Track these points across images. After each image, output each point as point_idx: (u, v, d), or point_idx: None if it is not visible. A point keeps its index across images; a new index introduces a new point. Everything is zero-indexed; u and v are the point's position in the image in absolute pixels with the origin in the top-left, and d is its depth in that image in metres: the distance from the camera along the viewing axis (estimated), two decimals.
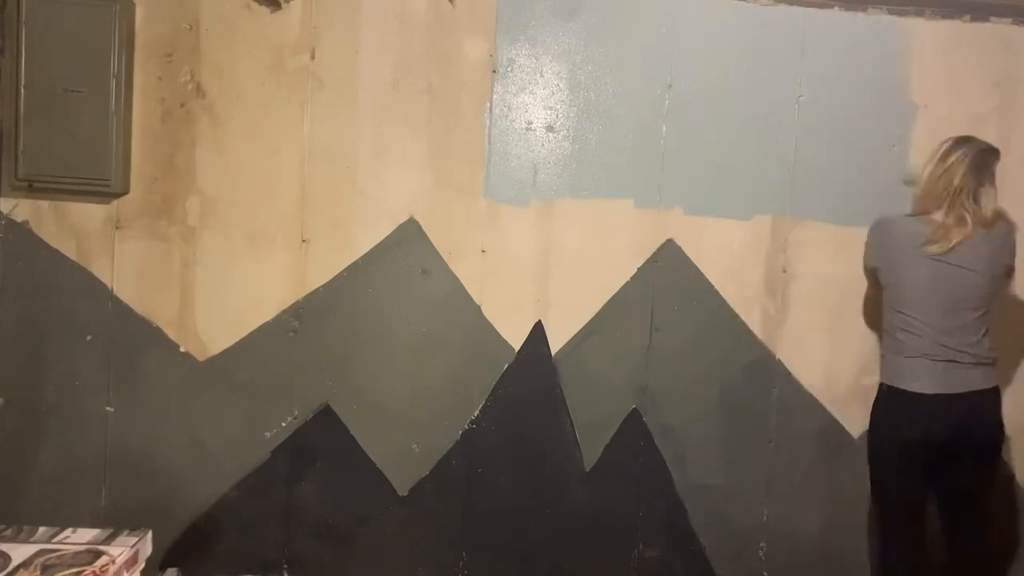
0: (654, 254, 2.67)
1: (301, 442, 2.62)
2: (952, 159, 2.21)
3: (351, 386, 2.63)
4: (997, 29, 2.69)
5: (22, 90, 2.38)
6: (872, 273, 2.41)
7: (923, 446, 2.21)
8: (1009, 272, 2.32)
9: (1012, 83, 2.70)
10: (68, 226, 2.53)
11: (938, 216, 2.21)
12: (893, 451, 2.26)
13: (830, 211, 2.69)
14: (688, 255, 2.68)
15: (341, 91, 2.57)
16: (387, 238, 2.62)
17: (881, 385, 2.32)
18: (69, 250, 2.53)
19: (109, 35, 2.40)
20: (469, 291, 2.64)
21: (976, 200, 2.20)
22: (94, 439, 2.56)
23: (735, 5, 2.65)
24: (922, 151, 2.72)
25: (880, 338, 2.44)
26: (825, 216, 2.69)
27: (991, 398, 2.23)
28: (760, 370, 2.71)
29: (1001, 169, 2.74)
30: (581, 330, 2.67)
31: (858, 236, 2.69)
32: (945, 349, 2.18)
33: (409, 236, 2.62)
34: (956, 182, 2.18)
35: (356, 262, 2.61)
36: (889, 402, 2.27)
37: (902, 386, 2.22)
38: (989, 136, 2.69)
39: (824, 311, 2.71)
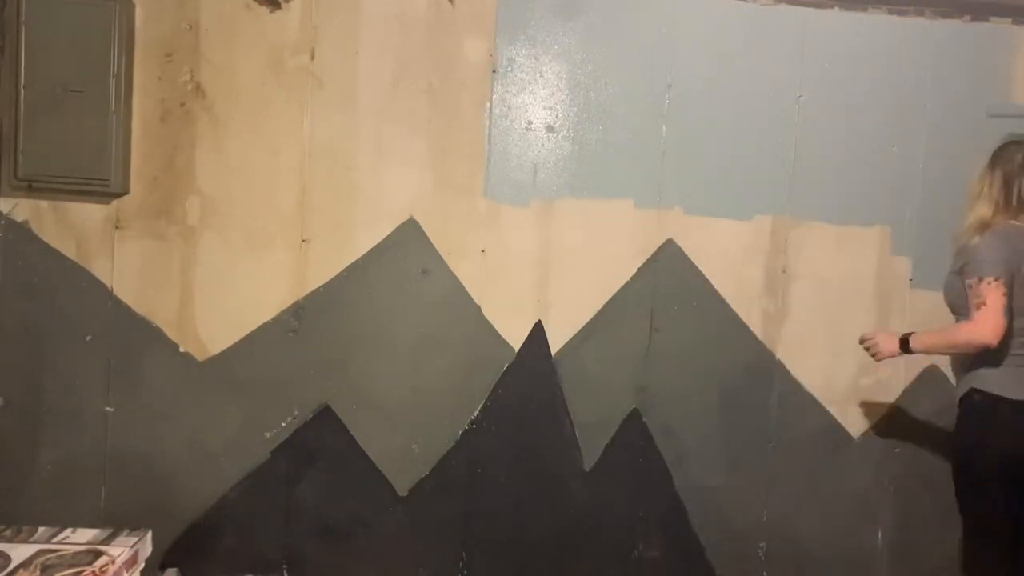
0: (654, 254, 2.67)
1: (301, 442, 2.61)
2: None
3: (351, 386, 2.62)
4: (997, 29, 2.69)
5: (22, 90, 2.38)
6: None
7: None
8: None
9: (1012, 83, 2.69)
10: (68, 226, 2.53)
11: None
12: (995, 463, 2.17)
13: (830, 211, 2.69)
14: (688, 255, 2.68)
15: (341, 91, 2.57)
16: (387, 238, 2.61)
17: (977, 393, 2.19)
18: (69, 250, 2.53)
19: (109, 35, 2.40)
20: (469, 291, 2.64)
21: None
22: (94, 439, 2.56)
23: (735, 5, 2.65)
24: (923, 151, 2.73)
25: None
26: (825, 216, 2.69)
27: None
28: (760, 370, 2.71)
29: None
30: (581, 330, 2.67)
31: (858, 236, 2.70)
32: None
33: (409, 236, 2.62)
34: None
35: (356, 262, 2.61)
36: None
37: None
38: (989, 136, 2.70)
39: (824, 311, 2.71)
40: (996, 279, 2.11)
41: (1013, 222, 2.18)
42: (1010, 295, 2.12)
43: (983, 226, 2.19)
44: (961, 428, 2.24)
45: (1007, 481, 2.14)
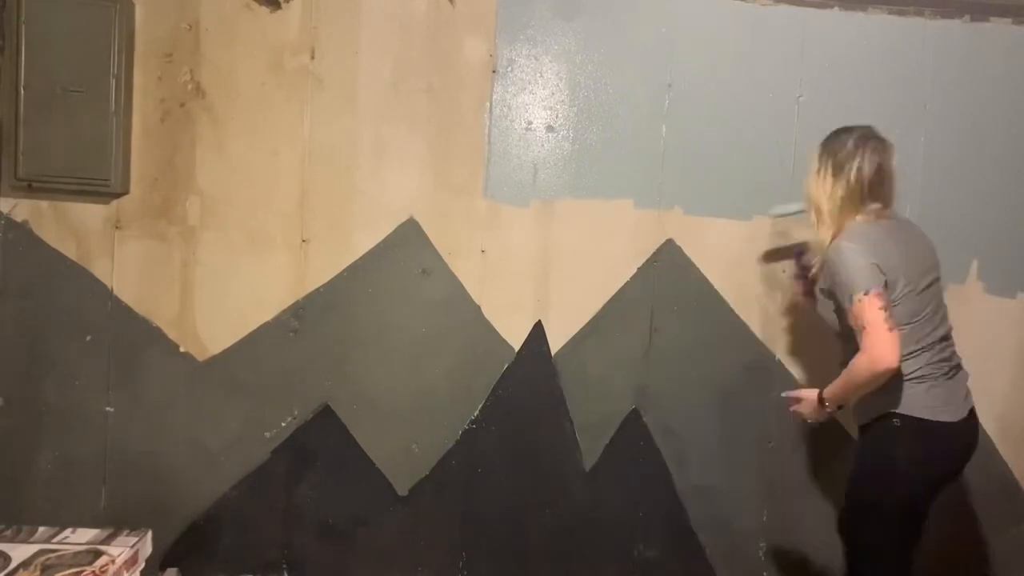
0: (654, 254, 2.67)
1: (301, 442, 2.62)
2: None
3: (351, 386, 2.63)
4: (997, 29, 2.69)
5: (22, 90, 2.37)
6: None
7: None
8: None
9: (1012, 83, 2.69)
10: (68, 226, 2.53)
11: None
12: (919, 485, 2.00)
13: None
14: (688, 255, 2.68)
15: (341, 91, 2.57)
16: (387, 238, 2.62)
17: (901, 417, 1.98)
18: (69, 250, 2.53)
19: (109, 35, 2.40)
20: (469, 291, 2.64)
21: None
22: (94, 439, 2.56)
23: (735, 5, 2.65)
24: (923, 152, 2.73)
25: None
26: None
27: None
28: (760, 370, 2.71)
29: (1004, 168, 2.76)
30: (581, 330, 2.67)
31: None
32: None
33: (409, 236, 2.62)
34: None
35: (356, 262, 2.61)
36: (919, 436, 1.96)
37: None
38: (988, 136, 2.70)
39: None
40: (866, 293, 1.85)
41: (864, 218, 1.98)
42: (891, 304, 1.87)
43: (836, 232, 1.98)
44: (881, 451, 2.01)
45: (920, 502, 2.02)
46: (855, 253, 1.91)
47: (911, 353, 1.94)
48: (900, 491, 1.98)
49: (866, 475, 2.06)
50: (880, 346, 1.82)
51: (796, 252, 2.52)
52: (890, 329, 1.83)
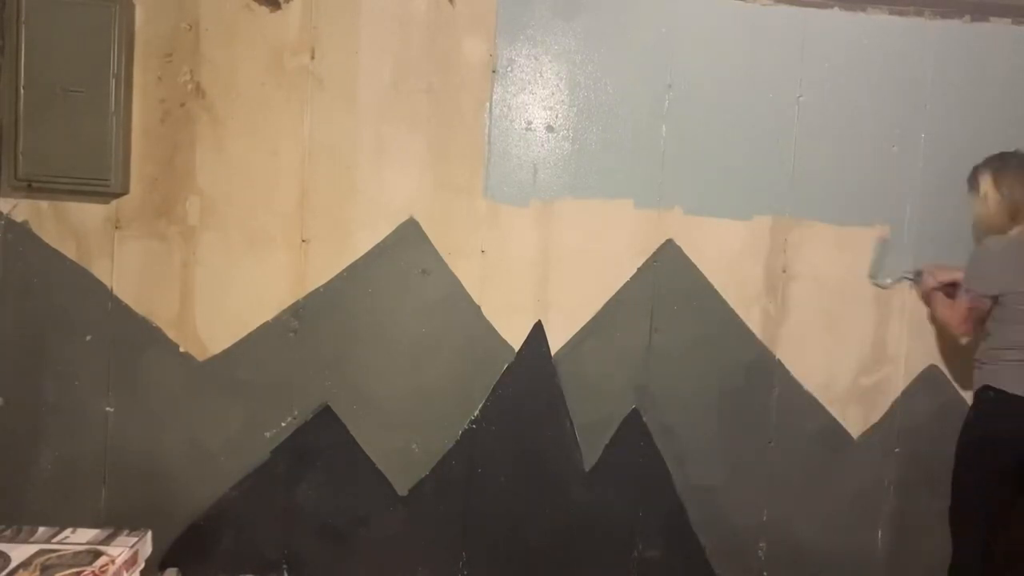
0: (654, 254, 2.67)
1: (301, 442, 2.62)
2: None
3: (351, 386, 2.63)
4: (997, 29, 2.69)
5: (22, 90, 2.37)
6: None
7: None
8: None
9: (1012, 83, 2.69)
10: (68, 226, 2.53)
11: None
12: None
13: (830, 211, 2.69)
14: (688, 255, 2.68)
15: (341, 91, 2.57)
16: (387, 238, 2.62)
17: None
18: (69, 250, 2.53)
19: (109, 35, 2.40)
20: (469, 291, 2.64)
21: None
22: (94, 439, 2.56)
23: (735, 5, 2.65)
24: (922, 152, 2.73)
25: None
26: (825, 216, 2.69)
27: None
28: (760, 370, 2.71)
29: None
30: (581, 330, 2.67)
31: (858, 236, 2.70)
32: None
33: (409, 236, 2.62)
34: None
35: (356, 262, 2.61)
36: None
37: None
38: (989, 136, 2.70)
39: (824, 311, 2.71)
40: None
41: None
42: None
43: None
44: (973, 421, 2.41)
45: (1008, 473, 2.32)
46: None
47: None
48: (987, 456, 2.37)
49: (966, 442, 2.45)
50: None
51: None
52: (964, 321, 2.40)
